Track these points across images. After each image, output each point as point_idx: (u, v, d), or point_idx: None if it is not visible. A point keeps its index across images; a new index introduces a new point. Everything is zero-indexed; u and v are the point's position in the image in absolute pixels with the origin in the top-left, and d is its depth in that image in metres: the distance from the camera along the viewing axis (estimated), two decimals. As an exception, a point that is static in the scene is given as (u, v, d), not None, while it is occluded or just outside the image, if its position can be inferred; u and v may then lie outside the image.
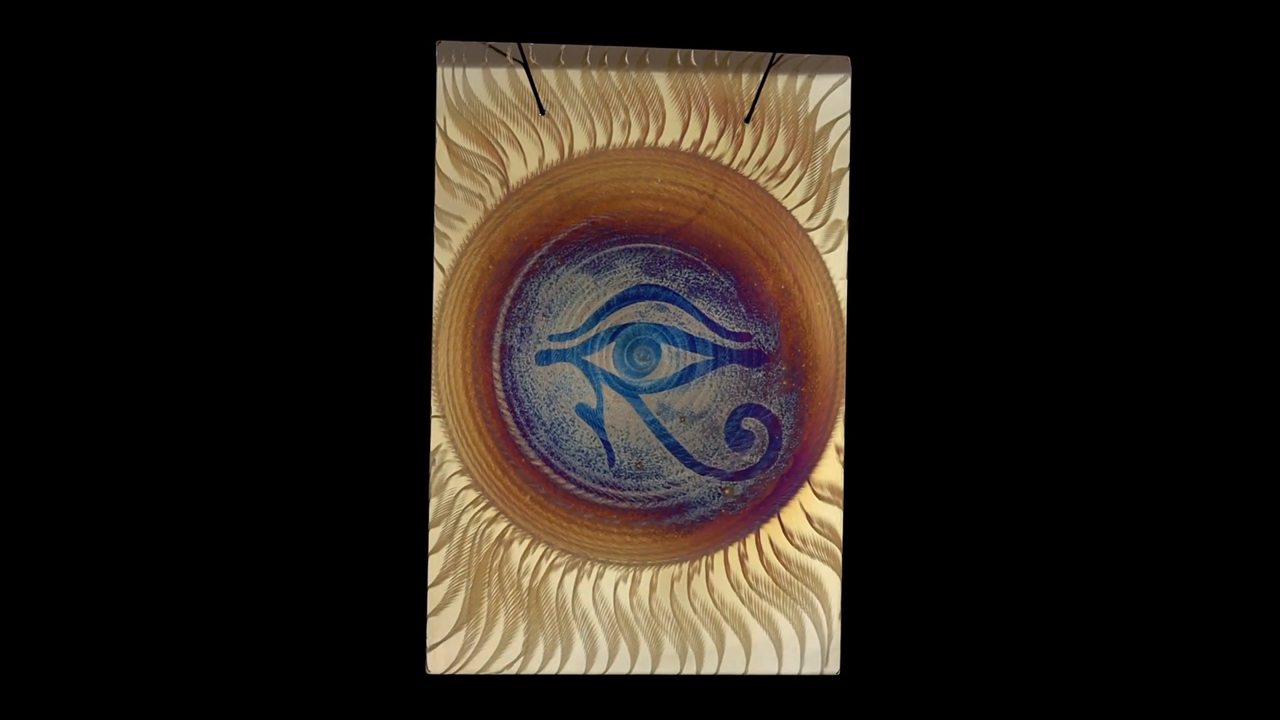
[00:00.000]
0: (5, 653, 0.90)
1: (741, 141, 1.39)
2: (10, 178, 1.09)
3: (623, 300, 1.39)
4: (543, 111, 1.36)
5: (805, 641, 1.42)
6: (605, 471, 1.40)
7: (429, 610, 1.38)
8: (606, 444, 1.40)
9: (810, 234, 1.40)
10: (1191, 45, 1.43)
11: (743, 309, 1.40)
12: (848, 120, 1.40)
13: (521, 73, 1.36)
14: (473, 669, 1.38)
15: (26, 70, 0.88)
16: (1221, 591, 1.45)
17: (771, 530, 1.42)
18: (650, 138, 1.38)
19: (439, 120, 1.35)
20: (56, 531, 0.91)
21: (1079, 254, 1.43)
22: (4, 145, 1.05)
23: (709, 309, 1.40)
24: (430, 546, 1.37)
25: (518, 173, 1.37)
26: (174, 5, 0.99)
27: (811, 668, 1.42)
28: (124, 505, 1.22)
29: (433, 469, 1.37)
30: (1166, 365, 1.44)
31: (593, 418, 1.39)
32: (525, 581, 1.39)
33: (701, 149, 1.39)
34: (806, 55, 1.39)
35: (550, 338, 1.39)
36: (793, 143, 1.39)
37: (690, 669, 1.41)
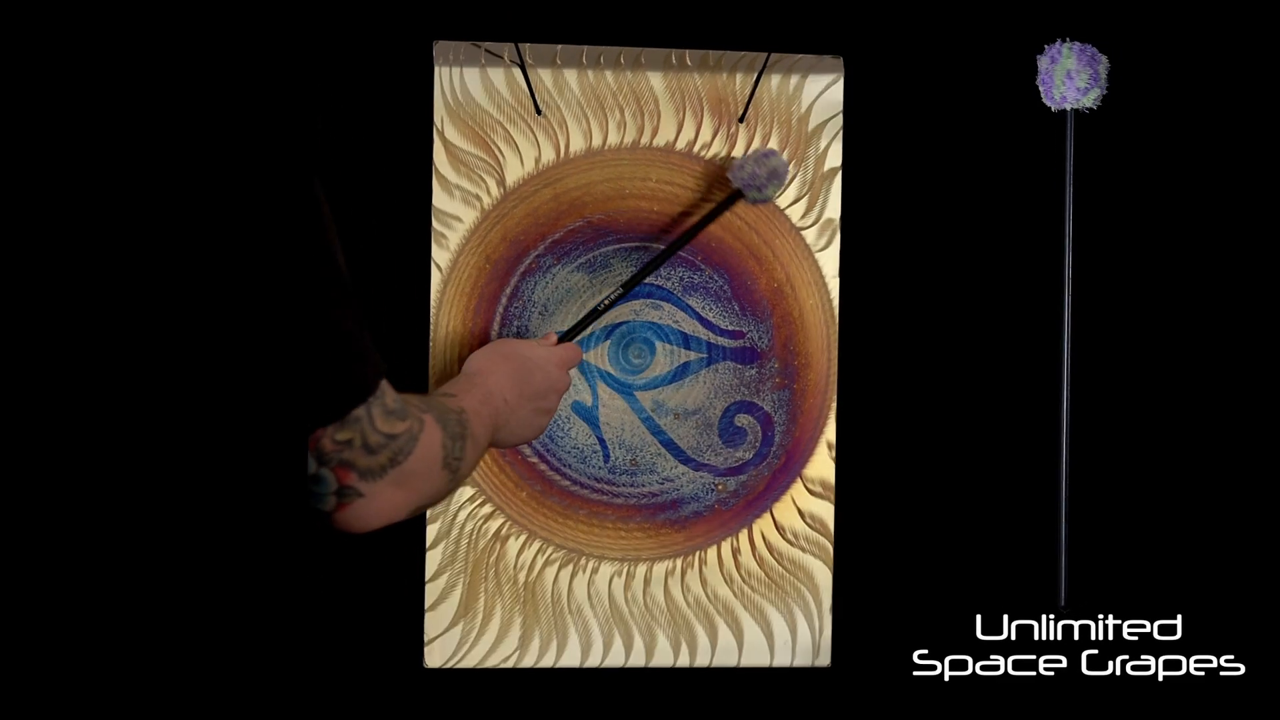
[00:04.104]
0: (3, 653, 0.90)
1: (735, 141, 1.40)
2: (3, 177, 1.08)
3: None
4: (539, 112, 1.37)
5: (797, 634, 1.44)
6: (600, 468, 1.41)
7: (426, 605, 1.39)
8: (601, 441, 1.41)
9: (803, 233, 1.42)
10: (1184, 40, 1.45)
11: (736, 307, 1.42)
12: (840, 120, 1.41)
13: (518, 73, 1.37)
14: (469, 663, 1.40)
15: (21, 68, 0.88)
16: (1216, 588, 1.47)
17: (764, 525, 1.44)
18: (645, 138, 1.39)
19: (436, 120, 1.36)
20: (53, 532, 0.91)
21: (1068, 251, 1.44)
22: None
23: (703, 307, 1.41)
24: (427, 542, 1.39)
25: (514, 173, 1.38)
26: (170, 4, 0.99)
27: (803, 660, 1.44)
28: (120, 502, 1.22)
29: (430, 466, 1.39)
30: (1159, 358, 1.46)
31: (588, 415, 1.41)
32: (521, 577, 1.41)
33: (696, 149, 1.40)
34: (800, 55, 1.40)
35: (546, 336, 1.40)
36: (786, 142, 1.41)
37: (684, 662, 1.43)
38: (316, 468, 0.87)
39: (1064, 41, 1.38)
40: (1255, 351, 1.47)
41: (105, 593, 0.85)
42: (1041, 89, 1.39)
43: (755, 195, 1.35)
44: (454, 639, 1.39)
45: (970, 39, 1.44)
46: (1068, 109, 1.39)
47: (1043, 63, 1.39)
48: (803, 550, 1.44)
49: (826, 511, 1.44)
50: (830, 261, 1.42)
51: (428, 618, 1.39)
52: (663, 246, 1.39)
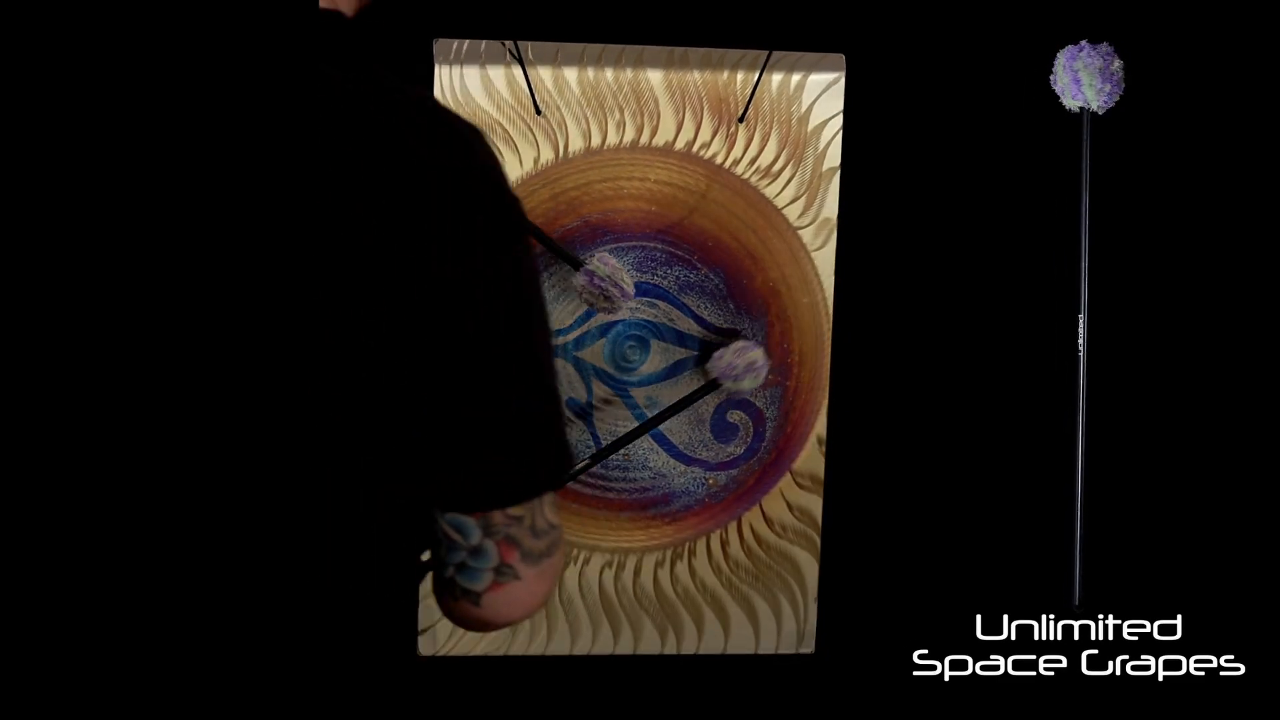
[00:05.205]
0: (3, 653, 0.91)
1: (734, 141, 1.39)
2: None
3: (614, 298, 1.40)
4: (539, 111, 1.36)
5: (782, 622, 1.47)
6: (593, 463, 1.43)
7: (420, 595, 1.41)
8: (595, 436, 1.42)
9: (800, 232, 1.42)
10: (1178, 38, 1.44)
11: (731, 305, 1.42)
12: (840, 119, 1.40)
13: (518, 72, 1.35)
14: (461, 651, 1.43)
15: (20, 68, 0.88)
16: (1216, 588, 1.49)
17: (753, 518, 1.46)
18: (644, 138, 1.38)
19: (435, 119, 1.35)
20: (63, 531, 0.92)
21: (1062, 254, 1.44)
22: None
23: (698, 305, 1.41)
24: (421, 534, 1.40)
25: (513, 172, 1.37)
26: (169, 2, 0.98)
27: (787, 647, 1.47)
28: (123, 498, 1.23)
29: (425, 460, 1.40)
30: (1146, 355, 1.47)
31: (581, 411, 1.42)
32: (514, 568, 1.43)
33: (695, 149, 1.39)
34: (801, 54, 1.39)
35: (542, 334, 1.40)
36: (785, 142, 1.40)
37: (670, 649, 1.46)
38: (480, 538, 0.85)
39: (1092, 44, 1.37)
40: (1258, 355, 1.48)
41: (103, 588, 0.86)
42: (1067, 86, 1.37)
43: (731, 385, 1.37)
44: (446, 628, 1.42)
45: (973, 39, 1.42)
46: (1085, 109, 1.38)
47: (1069, 62, 1.37)
48: (790, 542, 1.46)
49: (815, 505, 1.46)
50: (826, 261, 1.43)
51: (421, 607, 1.41)
52: (662, 246, 1.39)
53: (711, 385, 1.38)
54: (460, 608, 0.88)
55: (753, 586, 1.46)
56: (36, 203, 0.82)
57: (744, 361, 1.36)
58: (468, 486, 0.83)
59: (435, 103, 0.80)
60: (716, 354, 1.38)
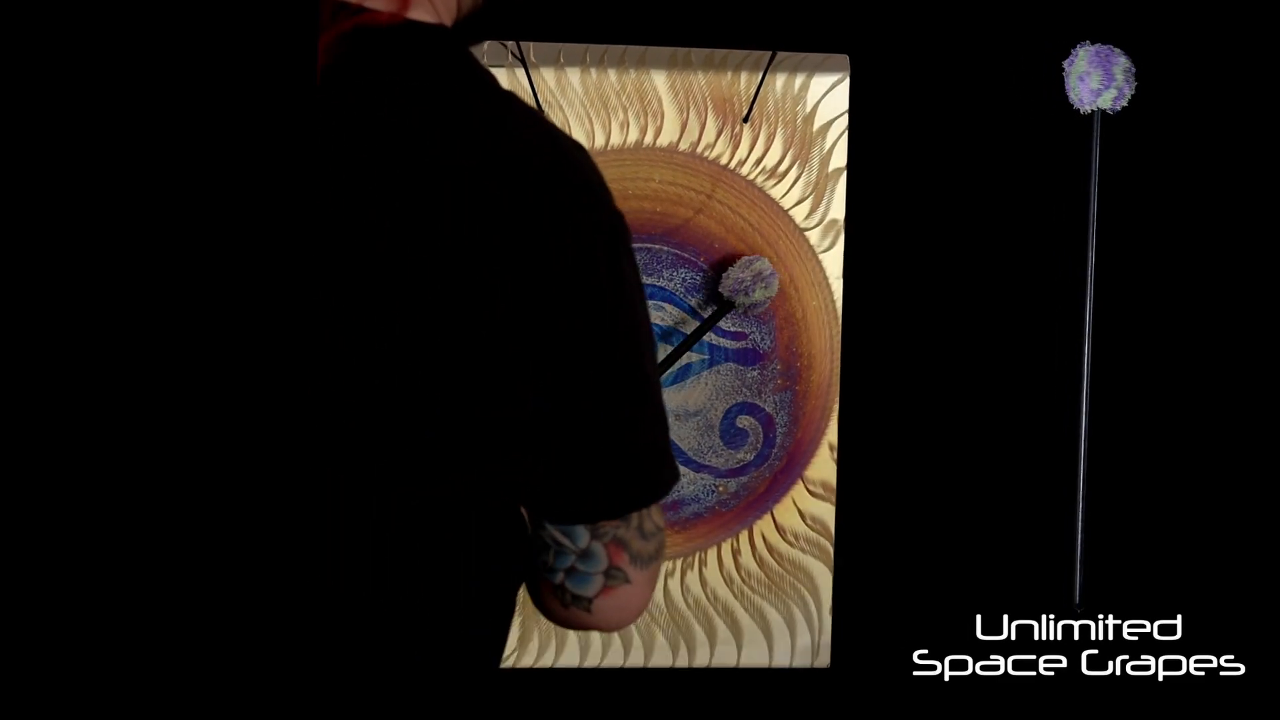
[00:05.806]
0: (12, 654, 0.89)
1: (739, 142, 1.38)
2: (4, 177, 1.05)
3: (620, 302, 1.38)
4: (541, 112, 1.34)
5: (796, 635, 1.44)
6: (601, 471, 1.40)
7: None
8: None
9: (806, 234, 1.40)
10: (1175, 37, 1.43)
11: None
12: (846, 120, 1.39)
13: (521, 72, 1.33)
14: (469, 667, 1.39)
15: (23, 69, 0.86)
16: (1216, 588, 1.48)
17: (764, 526, 1.43)
18: (649, 138, 1.37)
19: (436, 121, 1.33)
20: (76, 531, 0.89)
21: (1072, 255, 1.43)
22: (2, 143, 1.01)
23: (705, 308, 1.39)
24: (427, 548, 1.37)
25: (516, 175, 1.35)
26: (169, 2, 0.96)
27: (802, 661, 1.44)
28: (125, 503, 1.20)
29: (430, 471, 1.37)
30: (1146, 358, 1.46)
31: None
32: (522, 581, 1.40)
33: (700, 149, 1.38)
34: (806, 54, 1.38)
35: (548, 340, 1.38)
36: (790, 142, 1.39)
37: (682, 662, 1.43)
38: (588, 541, 0.82)
39: (1081, 44, 1.36)
40: (1260, 357, 1.47)
41: (107, 590, 0.83)
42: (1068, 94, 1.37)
43: (743, 300, 1.35)
44: (454, 644, 1.39)
45: (977, 39, 1.42)
46: (1092, 111, 1.37)
47: (1065, 66, 1.37)
48: (803, 551, 1.43)
49: (827, 513, 1.44)
50: (834, 262, 1.41)
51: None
52: (667, 248, 1.37)
53: (726, 306, 1.36)
54: (571, 615, 0.86)
55: (765, 598, 1.43)
56: (76, 202, 0.81)
57: (751, 274, 1.34)
58: (582, 497, 0.82)
59: (543, 121, 0.80)
60: (725, 275, 1.36)
